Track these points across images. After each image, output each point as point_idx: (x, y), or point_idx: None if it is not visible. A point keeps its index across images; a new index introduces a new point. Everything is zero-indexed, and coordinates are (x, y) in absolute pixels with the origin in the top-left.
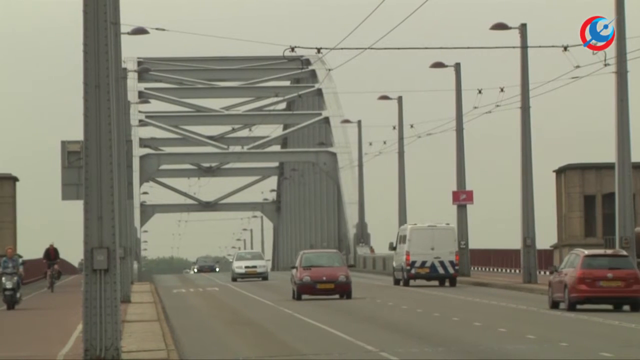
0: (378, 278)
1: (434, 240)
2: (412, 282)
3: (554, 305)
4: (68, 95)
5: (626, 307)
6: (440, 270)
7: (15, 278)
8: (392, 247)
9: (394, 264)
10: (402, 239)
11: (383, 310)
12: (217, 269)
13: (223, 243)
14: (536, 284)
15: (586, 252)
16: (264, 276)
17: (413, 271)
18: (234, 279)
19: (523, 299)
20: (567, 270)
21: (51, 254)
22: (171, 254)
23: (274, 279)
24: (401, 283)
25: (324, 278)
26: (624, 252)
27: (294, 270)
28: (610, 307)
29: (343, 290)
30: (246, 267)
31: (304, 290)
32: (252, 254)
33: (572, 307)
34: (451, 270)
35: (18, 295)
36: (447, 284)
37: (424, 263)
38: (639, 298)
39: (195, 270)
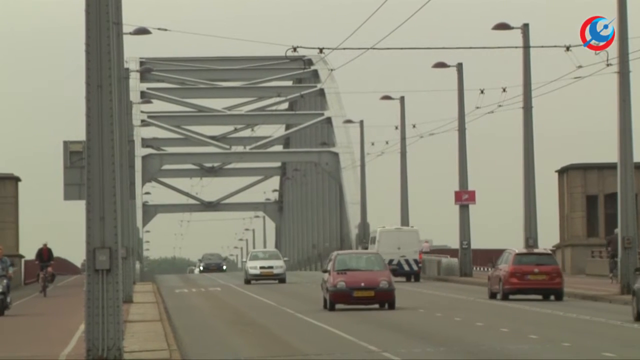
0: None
1: (400, 241)
2: None
3: (492, 295)
4: (70, 96)
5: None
6: (406, 267)
7: (5, 281)
8: (365, 247)
9: None
10: (372, 240)
11: (384, 311)
12: (225, 267)
13: (225, 243)
14: None
15: (517, 250)
16: (280, 278)
17: None
18: (248, 281)
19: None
20: (502, 266)
21: (44, 254)
22: (173, 254)
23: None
24: None
25: (362, 284)
26: (549, 251)
27: (326, 275)
28: (539, 297)
29: (385, 298)
30: (261, 267)
31: (338, 298)
32: (268, 253)
33: (505, 297)
34: (415, 268)
35: (8, 299)
36: (412, 279)
37: (391, 261)
38: (561, 289)
39: (201, 268)
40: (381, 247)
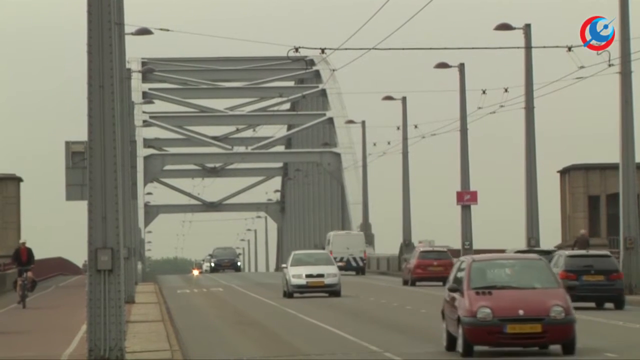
0: (381, 279)
1: (348, 242)
2: None
3: (405, 282)
4: (72, 96)
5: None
6: (353, 264)
7: None
8: (322, 247)
9: None
10: (327, 241)
11: (384, 310)
12: (240, 263)
13: (227, 244)
14: None
15: (422, 248)
16: (333, 290)
17: None
18: (290, 294)
19: None
20: (411, 261)
21: (22, 255)
22: (175, 254)
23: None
24: None
25: (521, 312)
26: (445, 249)
27: (452, 295)
28: (440, 283)
29: (559, 337)
30: (308, 275)
31: (480, 336)
32: (315, 257)
33: (413, 283)
34: (361, 264)
35: None
36: (359, 273)
37: (342, 258)
38: None
39: (212, 265)
40: (334, 247)
